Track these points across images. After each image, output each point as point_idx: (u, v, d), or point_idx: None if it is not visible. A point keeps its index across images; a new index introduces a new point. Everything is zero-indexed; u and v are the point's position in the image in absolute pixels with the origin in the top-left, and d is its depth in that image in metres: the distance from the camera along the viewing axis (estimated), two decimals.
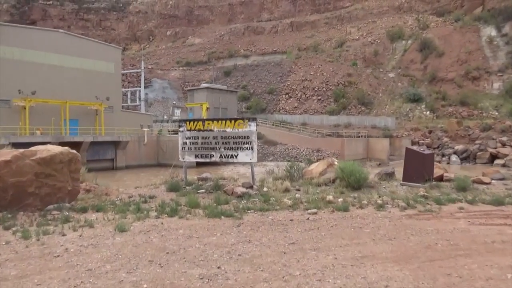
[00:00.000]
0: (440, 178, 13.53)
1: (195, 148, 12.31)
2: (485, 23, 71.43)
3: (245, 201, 10.16)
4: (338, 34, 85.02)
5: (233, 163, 12.01)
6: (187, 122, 12.44)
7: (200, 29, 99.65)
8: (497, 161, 46.03)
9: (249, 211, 9.13)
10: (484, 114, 58.33)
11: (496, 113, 57.91)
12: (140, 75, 66.92)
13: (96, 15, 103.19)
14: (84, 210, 9.21)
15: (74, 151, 10.15)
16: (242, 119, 11.79)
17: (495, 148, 47.58)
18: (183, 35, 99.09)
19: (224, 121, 11.93)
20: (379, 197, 10.65)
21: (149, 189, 12.79)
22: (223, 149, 11.94)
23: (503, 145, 47.67)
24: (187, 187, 12.12)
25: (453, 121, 54.03)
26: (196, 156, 12.32)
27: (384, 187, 12.32)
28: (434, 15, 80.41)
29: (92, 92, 45.01)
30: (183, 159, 12.52)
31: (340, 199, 10.32)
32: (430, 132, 54.42)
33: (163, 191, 12.14)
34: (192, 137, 12.34)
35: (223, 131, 11.93)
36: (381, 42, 77.14)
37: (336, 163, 12.79)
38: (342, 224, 7.95)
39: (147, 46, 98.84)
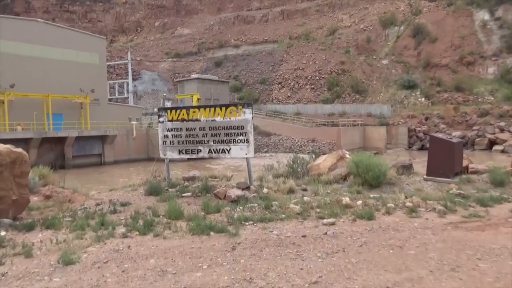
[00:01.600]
0: (465, 170, 11.46)
1: (178, 142, 10.03)
2: (478, 7, 69.39)
3: (241, 207, 7.94)
4: (330, 21, 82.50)
5: (225, 158, 9.70)
6: (168, 111, 10.13)
7: (189, 19, 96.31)
8: (496, 147, 44.41)
9: (246, 223, 6.92)
10: (479, 100, 56.60)
11: (492, 98, 56.21)
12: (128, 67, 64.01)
13: (81, 6, 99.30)
14: (30, 227, 6.92)
15: (19, 149, 7.81)
16: (235, 105, 9.53)
17: (493, 133, 45.95)
18: (171, 25, 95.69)
19: (213, 109, 9.66)
20: (406, 197, 8.50)
21: (124, 192, 10.52)
22: (212, 143, 9.69)
23: (501, 130, 46.02)
24: (170, 190, 9.87)
25: (450, 107, 52.20)
26: (180, 152, 10.04)
27: (407, 184, 10.19)
28: (425, 0, 78.16)
29: (76, 85, 42.25)
30: (165, 155, 10.24)
31: (359, 202, 8.15)
32: (426, 119, 52.55)
33: (141, 194, 9.88)
34: (174, 128, 10.05)
35: (212, 120, 9.67)
36: (373, 29, 74.83)
37: (347, 156, 10.61)
38: (374, 242, 5.77)
39: (135, 37, 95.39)
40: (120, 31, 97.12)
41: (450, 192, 9.09)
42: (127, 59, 63.85)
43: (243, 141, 9.40)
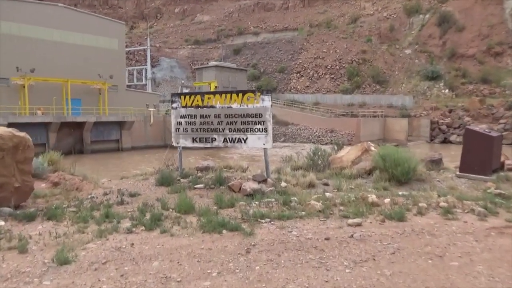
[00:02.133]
0: (501, 167, 10.50)
1: (192, 129, 9.40)
2: None
3: (256, 202, 7.28)
4: (352, 9, 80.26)
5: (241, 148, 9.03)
6: (182, 97, 9.49)
7: (209, 6, 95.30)
8: None
9: (262, 220, 6.26)
10: (507, 92, 54.19)
11: None
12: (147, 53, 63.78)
13: None
14: (30, 217, 6.43)
15: (22, 133, 7.32)
16: (253, 91, 8.81)
17: None
18: (191, 12, 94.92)
19: (229, 95, 8.96)
20: (439, 196, 7.68)
21: (135, 181, 9.98)
22: (228, 131, 9.02)
23: None
24: (182, 180, 9.28)
25: (475, 99, 50.14)
26: (194, 140, 9.41)
27: (438, 181, 9.34)
28: None
29: (95, 70, 42.20)
30: (177, 143, 9.63)
31: (387, 200, 7.38)
32: (450, 111, 50.67)
33: (152, 184, 9.32)
34: (188, 115, 9.42)
35: (228, 107, 8.99)
36: (397, 17, 72.41)
37: (372, 148, 9.79)
38: (408, 249, 5.04)
39: (155, 24, 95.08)
40: (140, 17, 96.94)
41: (488, 191, 8.22)
42: (146, 46, 63.57)
43: (261, 130, 8.70)
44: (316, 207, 6.87)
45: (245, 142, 8.90)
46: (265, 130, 8.67)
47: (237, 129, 8.90)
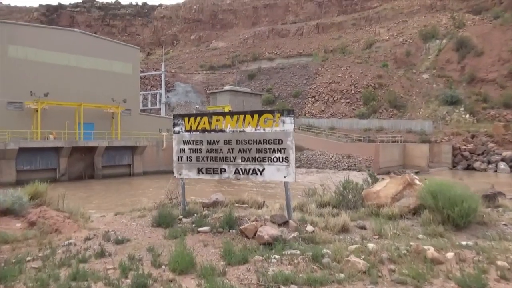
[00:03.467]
0: None
1: (197, 158, 7.71)
2: None
3: (277, 256, 5.46)
4: (367, 35, 79.39)
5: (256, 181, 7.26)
6: (186, 118, 7.85)
7: (224, 32, 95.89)
8: None
9: None
10: None
11: None
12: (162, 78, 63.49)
13: (121, 21, 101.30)
14: None
15: None
16: (271, 112, 7.13)
17: None
18: (207, 39, 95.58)
19: (242, 116, 7.30)
20: None
21: (130, 219, 8.28)
22: (240, 160, 7.30)
23: None
24: (183, 220, 7.53)
25: (499, 125, 47.62)
26: (199, 171, 7.70)
27: (504, 224, 7.36)
28: (470, 13, 73.73)
29: (108, 94, 41.50)
30: (180, 175, 7.93)
31: (450, 255, 5.46)
32: (472, 137, 48.15)
33: (148, 225, 7.59)
34: (193, 141, 7.76)
35: (240, 131, 7.30)
36: (413, 42, 71.13)
37: (417, 182, 7.91)
38: None
39: (171, 50, 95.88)
40: (157, 44, 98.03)
41: None
42: (161, 71, 63.34)
43: (280, 160, 6.96)
44: (358, 266, 5.01)
45: (261, 174, 7.15)
46: (286, 159, 6.93)
47: (252, 158, 7.18)
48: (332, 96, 65.83)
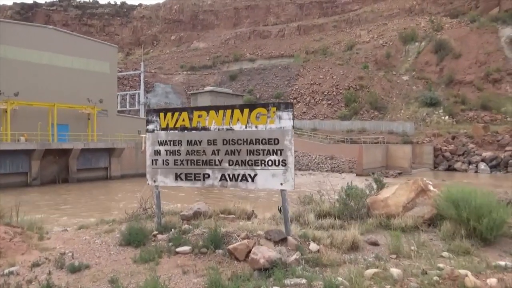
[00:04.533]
0: None
1: (175, 162, 6.38)
2: (503, 24, 65.43)
3: None
4: (348, 37, 79.26)
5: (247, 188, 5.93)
6: (162, 114, 6.51)
7: (205, 33, 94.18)
8: None
9: None
10: (508, 119, 52.08)
11: None
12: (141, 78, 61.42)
13: (99, 20, 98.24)
14: None
15: None
16: (265, 106, 5.87)
17: None
18: (187, 39, 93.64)
19: (229, 111, 6.01)
20: None
21: (94, 235, 6.86)
22: (227, 164, 6.02)
23: None
24: (158, 237, 6.17)
25: (479, 126, 47.77)
26: (178, 177, 6.37)
27: None
28: (447, 16, 74.53)
29: (84, 94, 39.38)
30: (154, 182, 6.57)
31: (493, 281, 4.33)
32: (453, 138, 48.16)
33: (115, 243, 6.21)
34: (170, 141, 6.42)
35: (228, 130, 6.02)
36: (393, 45, 71.27)
37: (431, 188, 6.79)
38: None
39: (151, 50, 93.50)
40: (136, 44, 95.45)
41: None
42: (140, 70, 61.27)
43: (277, 163, 5.71)
44: None
45: (253, 180, 5.88)
46: (284, 163, 5.68)
47: (242, 161, 5.91)
48: (313, 98, 65.15)
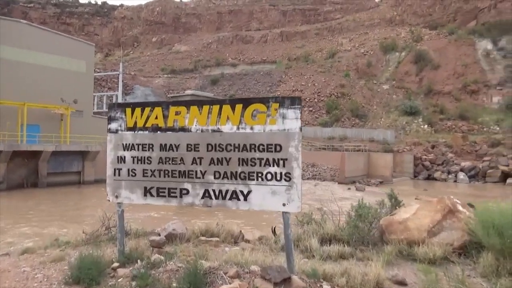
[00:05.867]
0: None
1: (144, 172, 4.86)
2: (480, 37, 66.53)
3: None
4: (329, 45, 79.07)
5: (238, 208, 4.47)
6: (128, 110, 4.99)
7: (187, 36, 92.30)
8: (510, 180, 39.83)
9: None
10: (485, 129, 52.55)
11: (498, 128, 52.18)
12: (122, 79, 59.04)
13: (79, 19, 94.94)
14: None
15: None
16: (264, 101, 4.45)
17: (507, 165, 41.38)
18: (169, 42, 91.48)
19: (217, 107, 4.56)
20: None
21: (38, 264, 5.25)
22: (213, 177, 4.54)
23: None
24: (118, 272, 4.61)
25: (458, 136, 47.83)
26: (148, 193, 4.85)
27: None
28: (426, 28, 75.38)
29: (57, 94, 36.96)
30: (116, 198, 5.02)
31: None
32: (433, 147, 48.00)
33: (60, 279, 4.62)
34: (138, 145, 4.90)
35: (214, 131, 4.56)
36: (374, 54, 71.42)
37: (460, 208, 5.51)
38: None
39: (131, 52, 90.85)
40: (116, 45, 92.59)
41: None
42: (119, 71, 58.95)
43: (278, 177, 4.29)
44: None
45: (245, 199, 4.43)
46: (287, 177, 4.27)
47: (232, 173, 4.46)
48: None
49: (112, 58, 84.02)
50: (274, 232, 6.22)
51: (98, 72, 61.36)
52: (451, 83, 60.80)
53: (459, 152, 46.01)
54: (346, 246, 5.52)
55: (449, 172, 43.74)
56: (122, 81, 61.83)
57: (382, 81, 66.24)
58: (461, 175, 42.58)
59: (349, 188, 34.42)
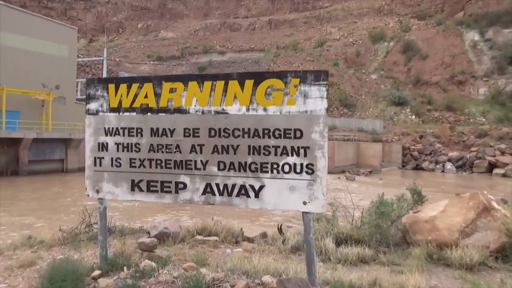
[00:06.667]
0: None
1: (132, 162, 3.99)
2: (467, 28, 66.45)
3: None
4: (318, 33, 78.05)
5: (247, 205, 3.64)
6: (112, 87, 4.08)
7: (174, 23, 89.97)
8: (496, 170, 40.06)
9: None
10: (471, 120, 52.81)
11: (484, 119, 52.49)
12: (107, 65, 57.12)
13: (61, 3, 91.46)
14: None
15: None
16: (281, 75, 3.61)
17: (494, 156, 41.57)
18: (155, 28, 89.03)
19: (221, 83, 3.70)
20: None
21: (3, 270, 4.35)
22: (216, 169, 3.70)
23: (502, 153, 41.70)
24: (101, 282, 3.75)
25: (446, 126, 47.86)
26: (135, 186, 4.00)
27: None
28: (415, 18, 74.96)
29: (38, 79, 35.27)
30: (97, 193, 4.14)
31: None
32: (421, 137, 47.96)
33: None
34: (124, 129, 4.02)
35: (218, 113, 3.69)
36: (362, 43, 70.75)
37: (496, 206, 4.82)
38: None
39: (116, 38, 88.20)
40: (100, 31, 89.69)
41: None
42: (103, 57, 56.98)
43: (298, 170, 3.47)
44: None
45: (257, 195, 3.61)
46: (310, 169, 3.45)
47: (240, 164, 3.62)
48: None
49: (96, 44, 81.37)
50: (280, 230, 5.44)
51: (82, 58, 59.24)
52: (439, 73, 60.73)
53: (446, 142, 46.04)
54: (366, 248, 4.78)
55: (437, 162, 43.77)
56: (107, 67, 59.92)
57: (371, 71, 65.82)
58: (449, 165, 42.65)
59: (339, 178, 34.00)
